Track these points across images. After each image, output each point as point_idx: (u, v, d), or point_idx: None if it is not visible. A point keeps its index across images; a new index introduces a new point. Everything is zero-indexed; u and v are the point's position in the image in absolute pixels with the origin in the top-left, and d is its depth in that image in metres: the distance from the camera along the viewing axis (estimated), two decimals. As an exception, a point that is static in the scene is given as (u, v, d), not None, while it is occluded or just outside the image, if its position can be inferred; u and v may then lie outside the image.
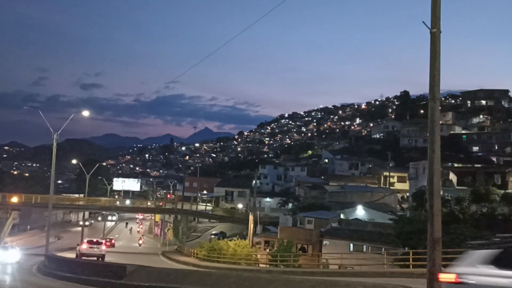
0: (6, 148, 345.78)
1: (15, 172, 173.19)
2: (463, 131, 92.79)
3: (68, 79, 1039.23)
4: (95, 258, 35.47)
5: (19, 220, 72.37)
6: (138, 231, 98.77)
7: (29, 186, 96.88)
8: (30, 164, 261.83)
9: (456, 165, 54.41)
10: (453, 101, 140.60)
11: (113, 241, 64.23)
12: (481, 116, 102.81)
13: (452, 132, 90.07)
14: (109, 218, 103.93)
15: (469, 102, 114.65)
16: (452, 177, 48.07)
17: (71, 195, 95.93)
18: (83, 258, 35.45)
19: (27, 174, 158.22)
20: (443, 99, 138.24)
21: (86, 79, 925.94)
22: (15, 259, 32.96)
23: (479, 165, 54.42)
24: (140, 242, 72.63)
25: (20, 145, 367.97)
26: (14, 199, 59.05)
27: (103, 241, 43.10)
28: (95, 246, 38.70)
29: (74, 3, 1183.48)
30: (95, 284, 18.98)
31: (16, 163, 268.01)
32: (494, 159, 70.95)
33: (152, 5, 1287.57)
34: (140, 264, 19.82)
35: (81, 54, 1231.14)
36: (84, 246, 38.73)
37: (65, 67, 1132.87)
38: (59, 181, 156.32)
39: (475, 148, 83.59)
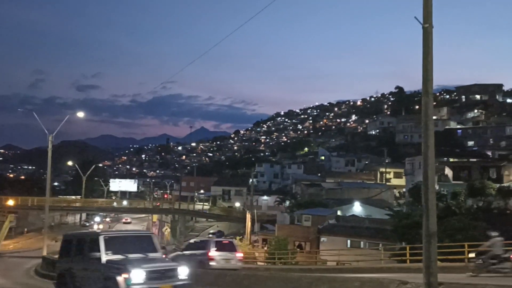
0: (2, 151, 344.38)
1: (11, 175, 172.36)
2: (458, 126, 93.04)
3: (65, 81, 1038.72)
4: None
5: (16, 223, 71.89)
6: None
7: (26, 189, 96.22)
8: (26, 167, 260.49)
9: (451, 160, 54.52)
10: (447, 96, 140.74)
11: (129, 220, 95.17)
12: (476, 111, 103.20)
13: (447, 127, 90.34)
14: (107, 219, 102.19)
15: (463, 97, 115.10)
16: (448, 171, 48.26)
17: (68, 197, 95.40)
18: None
19: (23, 177, 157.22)
20: (437, 94, 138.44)
21: (83, 81, 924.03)
22: None
23: (475, 160, 54.52)
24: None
25: (16, 148, 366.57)
26: (10, 202, 58.81)
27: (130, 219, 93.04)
28: (127, 222, 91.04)
29: (71, 6, 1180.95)
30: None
31: (12, 166, 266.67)
32: (489, 153, 71.07)
33: (149, 6, 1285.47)
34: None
35: (78, 56, 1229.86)
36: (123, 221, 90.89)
37: (62, 69, 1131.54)
38: (56, 183, 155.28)
39: (470, 143, 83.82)
